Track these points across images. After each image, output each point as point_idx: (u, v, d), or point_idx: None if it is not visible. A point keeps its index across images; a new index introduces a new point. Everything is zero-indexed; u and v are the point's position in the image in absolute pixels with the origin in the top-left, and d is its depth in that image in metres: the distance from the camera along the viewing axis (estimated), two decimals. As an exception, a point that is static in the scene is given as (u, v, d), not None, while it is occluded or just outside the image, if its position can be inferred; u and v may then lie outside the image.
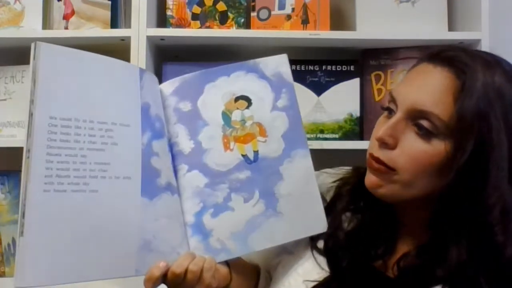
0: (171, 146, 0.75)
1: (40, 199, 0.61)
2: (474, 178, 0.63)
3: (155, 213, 0.69)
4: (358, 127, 1.30)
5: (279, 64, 0.79)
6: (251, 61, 0.79)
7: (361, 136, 1.30)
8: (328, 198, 0.78)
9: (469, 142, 0.63)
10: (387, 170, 0.68)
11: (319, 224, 0.75)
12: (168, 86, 0.78)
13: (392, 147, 0.67)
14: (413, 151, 0.66)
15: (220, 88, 0.77)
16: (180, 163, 0.75)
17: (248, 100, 0.77)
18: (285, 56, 0.80)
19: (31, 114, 0.62)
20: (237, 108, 0.77)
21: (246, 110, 0.77)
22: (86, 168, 0.64)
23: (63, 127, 0.64)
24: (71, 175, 0.63)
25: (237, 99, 0.77)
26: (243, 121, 0.76)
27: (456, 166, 0.63)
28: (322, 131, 1.30)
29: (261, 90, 0.77)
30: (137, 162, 0.69)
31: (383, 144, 0.68)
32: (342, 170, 0.84)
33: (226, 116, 0.76)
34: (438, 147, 0.65)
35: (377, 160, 0.69)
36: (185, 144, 0.75)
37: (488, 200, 0.63)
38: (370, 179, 0.71)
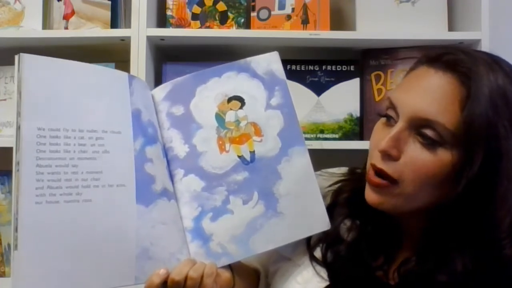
0: (166, 151, 0.74)
1: (32, 211, 0.59)
2: (483, 189, 0.61)
3: (151, 220, 0.68)
4: (358, 127, 1.30)
5: (271, 62, 0.77)
6: (242, 61, 0.77)
7: (361, 136, 1.30)
8: (325, 204, 0.75)
9: (478, 152, 0.60)
10: (388, 184, 0.65)
11: (322, 222, 0.73)
12: (160, 91, 0.76)
13: (396, 158, 0.64)
14: (418, 162, 0.63)
15: (212, 90, 0.76)
16: (176, 168, 0.73)
17: (241, 100, 0.76)
18: (276, 53, 0.78)
19: (18, 127, 0.61)
20: (231, 109, 0.75)
21: (240, 110, 0.75)
22: (78, 178, 0.63)
23: (52, 138, 0.62)
24: (63, 185, 0.62)
25: (230, 99, 0.76)
26: (238, 121, 0.75)
27: (465, 178, 0.60)
28: (322, 131, 1.30)
29: (253, 89, 0.76)
30: (130, 169, 0.67)
31: (387, 156, 0.65)
32: (339, 173, 0.82)
33: (219, 118, 0.75)
34: (444, 157, 0.62)
35: (380, 172, 0.66)
36: (179, 148, 0.74)
37: (496, 213, 0.61)
38: (371, 196, 0.68)
